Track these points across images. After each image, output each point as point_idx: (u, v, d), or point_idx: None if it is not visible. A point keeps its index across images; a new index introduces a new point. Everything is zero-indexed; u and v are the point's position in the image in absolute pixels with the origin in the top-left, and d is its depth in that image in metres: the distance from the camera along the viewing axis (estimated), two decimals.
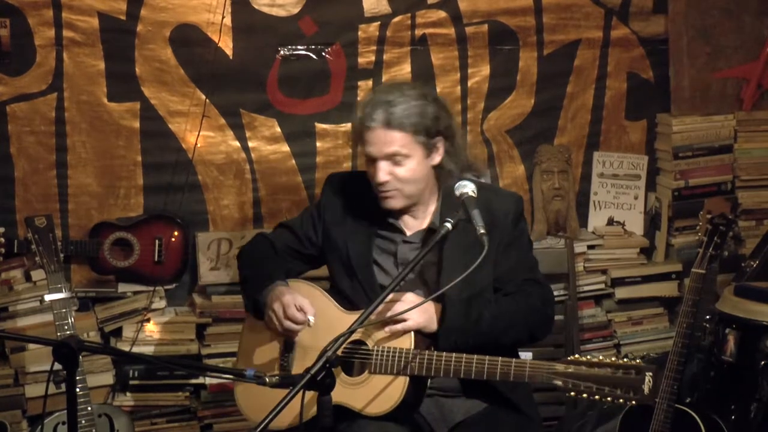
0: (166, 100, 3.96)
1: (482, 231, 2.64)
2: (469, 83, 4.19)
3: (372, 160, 2.85)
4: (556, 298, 4.00)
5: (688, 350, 3.37)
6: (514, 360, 2.69)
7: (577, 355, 2.63)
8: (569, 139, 4.32)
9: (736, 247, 4.16)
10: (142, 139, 3.97)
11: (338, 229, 3.02)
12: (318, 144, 4.12)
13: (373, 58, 4.10)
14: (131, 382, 3.90)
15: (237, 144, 4.05)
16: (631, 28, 4.29)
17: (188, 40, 3.94)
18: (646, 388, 2.51)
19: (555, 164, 4.26)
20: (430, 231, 2.93)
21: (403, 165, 2.83)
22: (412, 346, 2.77)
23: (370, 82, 4.09)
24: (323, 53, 4.05)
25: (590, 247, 4.28)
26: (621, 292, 4.28)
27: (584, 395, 2.56)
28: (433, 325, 2.81)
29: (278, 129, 4.07)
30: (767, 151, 4.33)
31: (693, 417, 3.40)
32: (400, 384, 2.76)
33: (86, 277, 3.96)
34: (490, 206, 2.87)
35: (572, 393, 2.58)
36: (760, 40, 4.29)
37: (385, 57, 4.10)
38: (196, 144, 3.97)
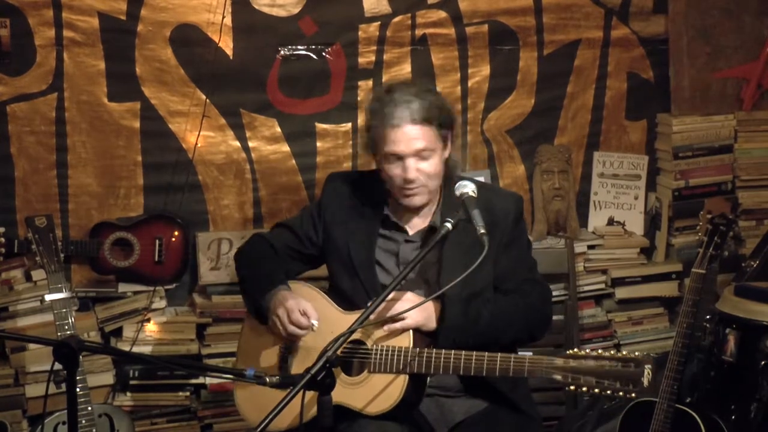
0: (167, 100, 3.96)
1: (482, 231, 2.66)
2: (470, 83, 4.19)
3: (398, 159, 2.85)
4: (556, 298, 4.04)
5: (688, 350, 3.37)
6: (512, 355, 2.69)
7: (576, 349, 2.63)
8: (569, 139, 4.32)
9: (736, 247, 4.17)
10: (142, 139, 3.97)
11: (339, 229, 3.02)
12: (318, 144, 4.12)
13: (373, 58, 4.09)
14: (131, 382, 3.90)
15: (237, 144, 4.04)
16: (631, 28, 4.29)
17: (188, 40, 3.93)
18: (645, 381, 2.50)
19: (555, 164, 4.25)
20: (431, 230, 2.93)
21: (428, 160, 2.85)
22: (411, 345, 2.77)
23: (370, 82, 4.09)
24: (323, 53, 4.05)
25: (590, 247, 4.28)
26: (621, 292, 4.28)
27: (584, 389, 2.55)
28: (432, 324, 2.82)
29: (278, 129, 4.07)
30: (767, 151, 4.33)
31: (693, 417, 3.39)
32: (400, 383, 2.76)
33: (86, 277, 3.96)
34: (490, 206, 2.87)
35: (572, 387, 2.57)
36: (760, 40, 4.29)
37: (385, 57, 4.10)
38: (196, 144, 3.97)
